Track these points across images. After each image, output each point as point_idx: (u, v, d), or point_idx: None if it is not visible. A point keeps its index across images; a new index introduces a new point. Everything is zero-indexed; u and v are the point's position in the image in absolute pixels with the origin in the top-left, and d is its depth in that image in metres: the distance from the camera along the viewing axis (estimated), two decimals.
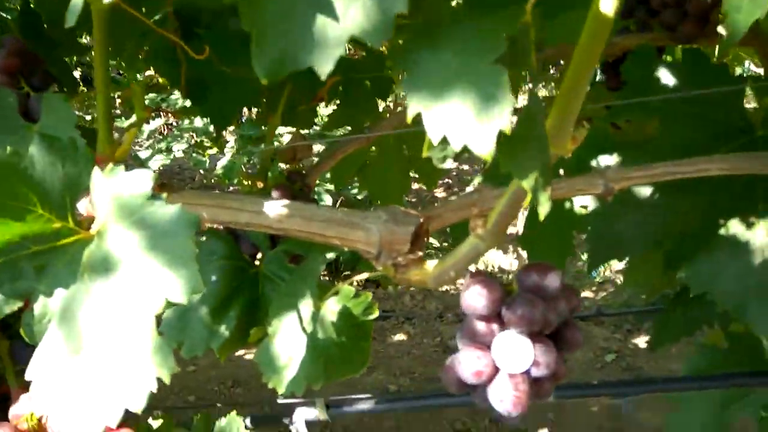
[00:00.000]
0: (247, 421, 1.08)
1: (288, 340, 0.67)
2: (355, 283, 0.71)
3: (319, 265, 0.68)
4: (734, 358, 1.14)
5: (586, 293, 3.02)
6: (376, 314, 0.66)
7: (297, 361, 0.66)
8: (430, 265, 0.65)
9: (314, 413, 1.04)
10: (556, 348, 0.57)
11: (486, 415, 2.04)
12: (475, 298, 0.56)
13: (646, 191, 0.80)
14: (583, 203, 0.85)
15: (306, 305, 0.67)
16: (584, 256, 3.39)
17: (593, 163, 0.82)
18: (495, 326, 0.58)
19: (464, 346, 0.57)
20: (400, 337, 2.67)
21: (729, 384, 0.98)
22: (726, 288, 0.72)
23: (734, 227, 0.73)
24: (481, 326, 0.57)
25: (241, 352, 2.45)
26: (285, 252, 0.79)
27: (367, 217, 0.66)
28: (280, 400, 1.17)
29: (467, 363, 0.55)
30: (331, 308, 0.66)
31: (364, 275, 0.69)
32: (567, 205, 0.89)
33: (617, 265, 3.21)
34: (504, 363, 0.56)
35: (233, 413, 0.94)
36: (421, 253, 0.66)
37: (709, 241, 0.74)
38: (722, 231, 0.74)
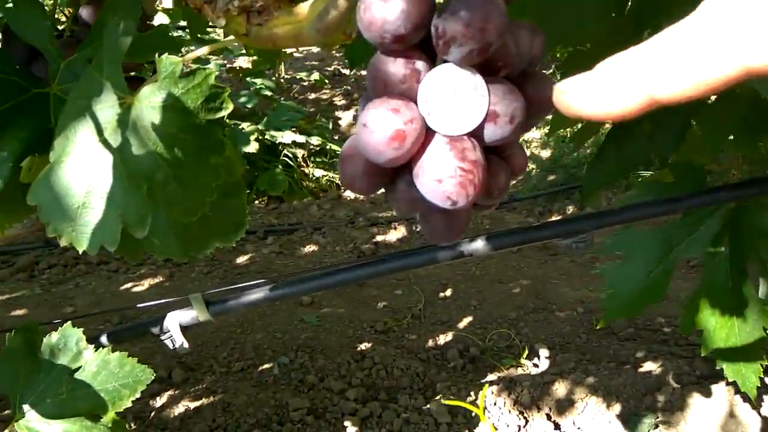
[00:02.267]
0: (103, 338, 0.82)
1: (83, 164, 0.41)
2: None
3: (120, 38, 0.41)
4: (677, 192, 1.00)
5: None
6: (228, 108, 0.41)
7: (100, 195, 0.40)
8: (305, 5, 0.40)
9: (191, 315, 0.79)
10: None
11: (408, 311, 1.89)
12: (382, 7, 0.32)
13: None
14: None
15: (107, 104, 0.41)
16: None
17: None
18: (420, 63, 0.34)
19: (373, 103, 0.33)
20: (310, 248, 2.44)
21: (676, 207, 0.82)
22: None
23: None
24: (397, 64, 0.34)
25: (127, 285, 2.13)
26: (89, 61, 0.51)
27: None
28: (141, 305, 0.91)
29: (379, 125, 0.32)
30: (150, 102, 0.40)
31: (201, 50, 0.42)
32: None
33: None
34: (440, 119, 0.33)
35: (68, 324, 0.68)
36: None
37: None
38: None
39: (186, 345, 0.79)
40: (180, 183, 0.41)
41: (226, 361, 1.66)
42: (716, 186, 0.81)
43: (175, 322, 0.79)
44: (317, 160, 3.24)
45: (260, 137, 3.06)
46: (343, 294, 2.06)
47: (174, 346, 0.79)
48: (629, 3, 0.57)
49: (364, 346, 1.73)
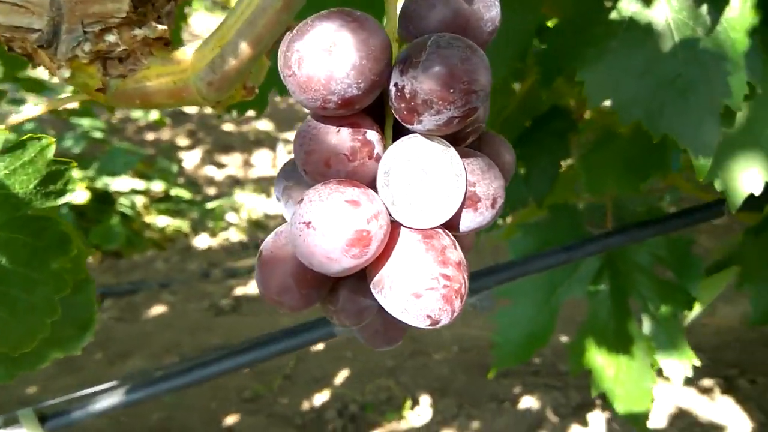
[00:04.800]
0: None
1: None
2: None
3: None
4: (558, 231, 1.00)
5: None
6: (74, 190, 0.28)
7: None
8: (190, 48, 0.30)
9: None
10: None
11: (278, 371, 1.74)
12: (325, 60, 0.22)
13: None
14: None
15: None
16: None
17: None
18: (372, 133, 0.25)
19: (317, 190, 0.23)
20: (158, 309, 2.19)
21: (572, 256, 0.81)
22: (630, 92, 0.50)
23: (627, 6, 0.51)
24: (342, 135, 0.24)
25: None
26: None
27: None
28: None
29: (334, 225, 0.22)
30: None
31: (33, 111, 0.29)
32: None
33: None
34: (408, 208, 0.24)
35: None
36: (163, 27, 0.30)
37: (597, 32, 0.51)
38: (613, 15, 0.51)
39: None
40: (6, 304, 0.28)
41: None
42: (606, 231, 0.81)
43: None
44: (161, 207, 2.97)
45: (90, 185, 2.74)
46: (200, 358, 1.86)
47: None
48: (531, 50, 0.54)
49: (230, 419, 1.55)
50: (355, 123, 0.24)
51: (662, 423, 1.45)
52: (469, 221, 0.25)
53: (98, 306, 2.22)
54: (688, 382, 1.42)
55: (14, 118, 0.29)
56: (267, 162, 3.53)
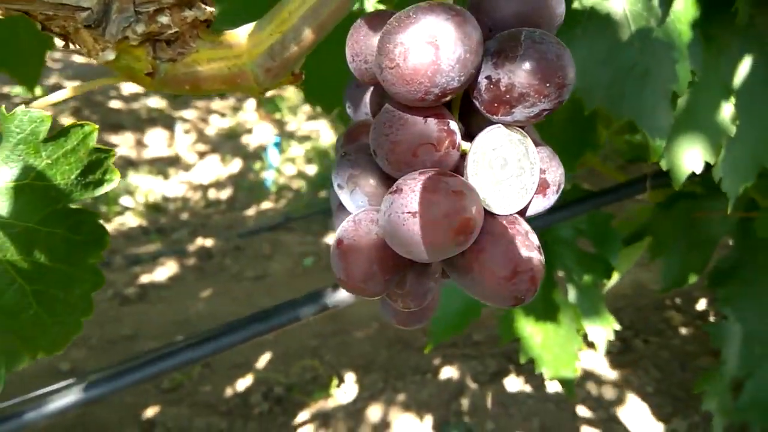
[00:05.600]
0: None
1: None
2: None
3: None
4: None
5: (266, 204, 2.82)
6: (113, 180, 0.26)
7: None
8: (242, 31, 0.29)
9: None
10: None
11: (199, 360, 1.68)
12: (431, 53, 0.23)
13: None
14: None
15: None
16: (257, 166, 3.14)
17: None
18: (453, 123, 0.26)
19: (417, 180, 0.24)
20: None
21: None
22: (594, 78, 0.54)
23: None
24: (429, 126, 0.25)
25: None
26: None
27: None
28: None
29: (441, 215, 0.23)
30: None
31: (60, 94, 0.27)
32: None
33: (290, 168, 3.08)
34: (494, 195, 0.26)
35: None
36: (211, 9, 0.28)
37: (565, 21, 0.54)
38: (576, 4, 0.55)
39: None
40: (44, 303, 0.25)
41: None
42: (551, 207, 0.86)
43: None
44: None
45: None
46: (109, 350, 1.76)
47: None
48: None
49: (151, 411, 1.48)
50: (438, 113, 0.24)
51: None
52: (537, 205, 0.27)
53: None
54: (592, 345, 1.56)
55: (41, 102, 0.26)
56: (162, 142, 3.35)
